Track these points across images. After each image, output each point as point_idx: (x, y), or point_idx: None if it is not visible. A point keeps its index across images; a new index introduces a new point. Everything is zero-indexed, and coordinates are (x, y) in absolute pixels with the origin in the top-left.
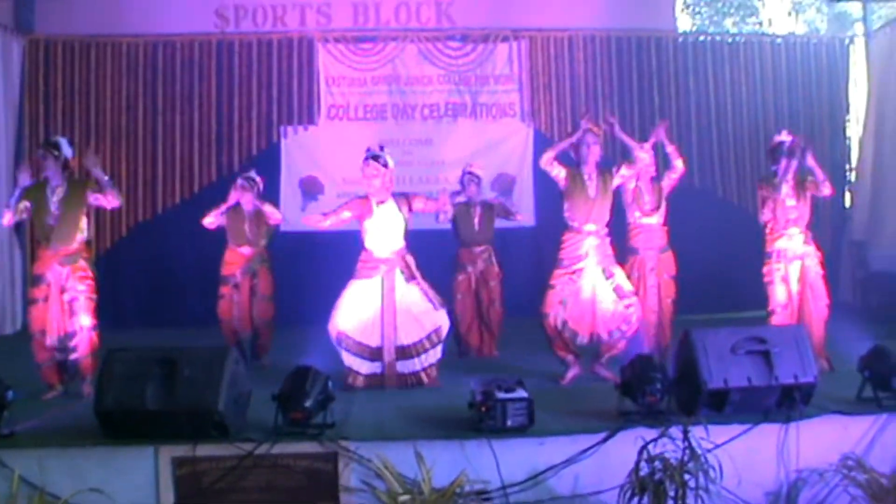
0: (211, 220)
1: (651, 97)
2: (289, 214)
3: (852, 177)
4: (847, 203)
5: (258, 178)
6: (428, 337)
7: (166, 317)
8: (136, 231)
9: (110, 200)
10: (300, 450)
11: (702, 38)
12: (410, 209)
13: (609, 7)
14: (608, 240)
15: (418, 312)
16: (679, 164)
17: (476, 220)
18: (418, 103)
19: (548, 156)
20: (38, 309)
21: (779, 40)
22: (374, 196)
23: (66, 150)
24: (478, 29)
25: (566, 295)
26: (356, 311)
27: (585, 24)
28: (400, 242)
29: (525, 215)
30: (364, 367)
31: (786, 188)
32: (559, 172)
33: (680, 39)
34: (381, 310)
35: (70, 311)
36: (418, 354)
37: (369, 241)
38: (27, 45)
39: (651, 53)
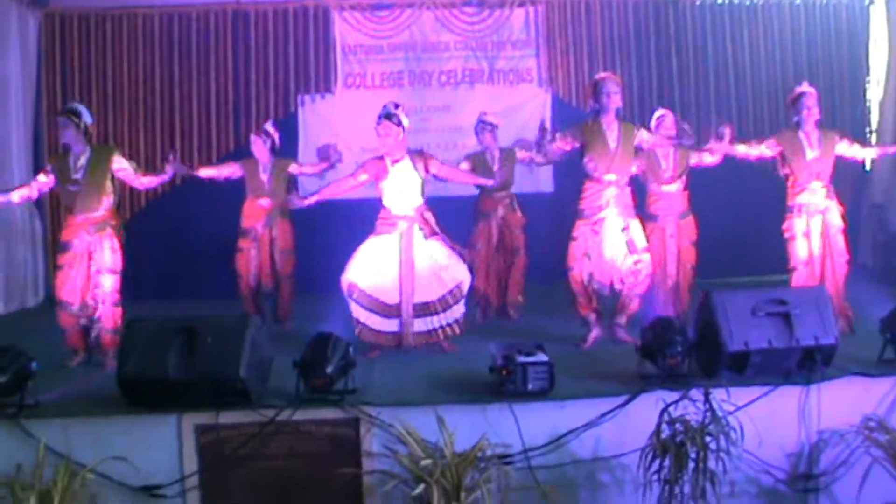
0: (207, 172)
1: (669, 61)
2: (307, 182)
3: (873, 139)
4: (868, 166)
5: (273, 130)
6: (451, 293)
7: (186, 288)
8: (155, 203)
9: (145, 183)
10: (322, 416)
11: (720, 1)
12: (427, 170)
13: None
14: (628, 190)
15: (439, 268)
16: (716, 158)
17: (495, 167)
18: (435, 70)
19: (554, 146)
20: (64, 275)
21: (798, 1)
22: (388, 155)
23: (87, 117)
24: None
25: (589, 247)
26: (372, 267)
27: None
28: (418, 199)
29: (543, 181)
30: (378, 323)
31: (810, 137)
32: (570, 144)
33: (698, 2)
34: (399, 266)
35: (95, 283)
36: (439, 312)
37: (387, 200)
38: (43, 18)
39: (669, 17)
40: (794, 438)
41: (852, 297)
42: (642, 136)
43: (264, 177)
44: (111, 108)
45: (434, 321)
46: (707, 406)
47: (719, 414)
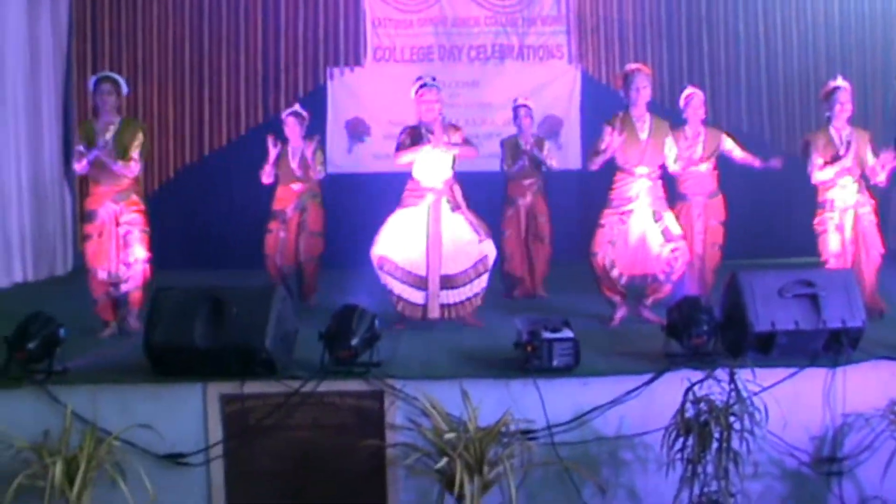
0: (267, 176)
1: (700, 42)
2: (335, 156)
3: None
4: None
5: (305, 113)
6: (474, 266)
7: (213, 258)
8: (183, 173)
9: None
10: (346, 388)
11: None
12: (460, 137)
13: None
14: (660, 182)
15: (464, 242)
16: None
17: (526, 152)
18: (465, 45)
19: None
20: (92, 244)
21: None
22: (424, 124)
23: (124, 88)
24: None
25: (615, 235)
26: (401, 239)
27: None
28: (448, 172)
29: (572, 158)
30: (412, 295)
31: (842, 135)
32: (612, 140)
33: None
34: (427, 239)
35: (125, 244)
36: (463, 284)
37: (417, 171)
38: None
39: None
40: (819, 421)
41: (883, 282)
42: (671, 143)
43: (294, 162)
44: (140, 77)
45: (457, 294)
46: (732, 386)
47: (744, 394)
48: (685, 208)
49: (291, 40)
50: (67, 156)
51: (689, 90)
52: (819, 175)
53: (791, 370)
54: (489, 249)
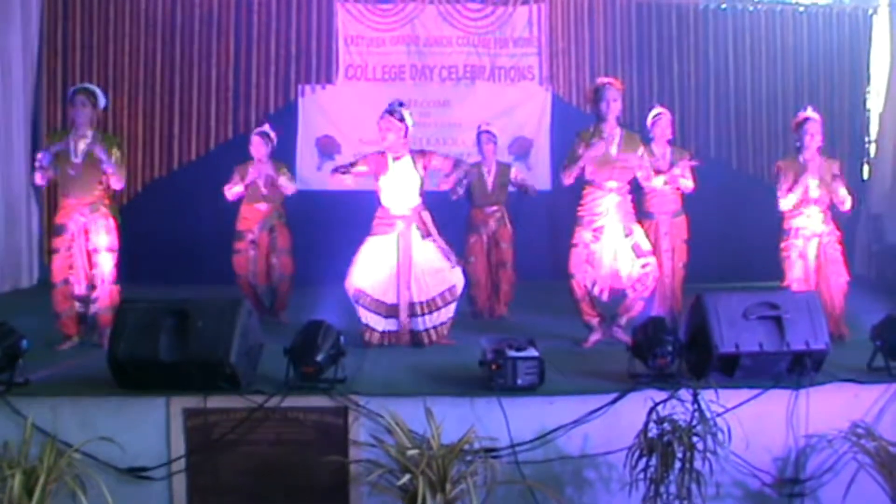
0: (234, 193)
1: (670, 65)
2: (305, 173)
3: (871, 150)
4: (865, 175)
5: (272, 134)
6: (441, 295)
7: (182, 273)
8: (152, 187)
9: (114, 182)
10: (311, 403)
11: (723, 6)
12: (426, 167)
13: None
14: (630, 198)
15: (433, 270)
16: (689, 185)
17: (490, 181)
18: (436, 65)
19: (566, 173)
20: (59, 258)
21: (801, 10)
22: (389, 151)
23: (102, 101)
24: None
25: (590, 254)
26: (373, 268)
27: None
28: (416, 199)
29: (541, 179)
30: (380, 323)
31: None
32: (581, 153)
33: (701, 7)
34: (397, 267)
35: (91, 264)
36: (430, 312)
37: (385, 198)
38: None
39: (672, 21)
40: (782, 442)
41: (848, 305)
42: (644, 154)
43: (261, 182)
44: (111, 89)
45: (425, 321)
46: (695, 406)
47: (707, 415)
48: (652, 226)
49: (263, 56)
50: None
51: (657, 109)
52: (784, 202)
53: (754, 391)
54: (458, 278)
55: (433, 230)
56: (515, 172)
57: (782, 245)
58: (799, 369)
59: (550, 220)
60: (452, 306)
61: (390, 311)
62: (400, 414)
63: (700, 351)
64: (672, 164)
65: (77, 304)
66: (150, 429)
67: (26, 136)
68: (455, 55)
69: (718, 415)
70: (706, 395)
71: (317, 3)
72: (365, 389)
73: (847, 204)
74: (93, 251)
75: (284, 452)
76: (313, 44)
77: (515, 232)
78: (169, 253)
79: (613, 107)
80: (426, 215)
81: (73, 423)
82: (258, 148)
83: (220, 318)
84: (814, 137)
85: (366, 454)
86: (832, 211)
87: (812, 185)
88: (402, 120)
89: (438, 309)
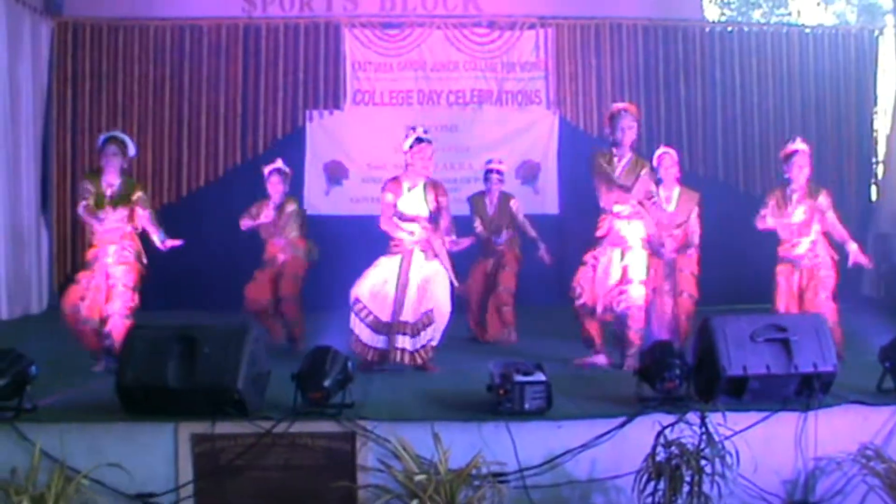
0: (245, 226)
1: (677, 88)
2: (313, 199)
3: (879, 170)
4: (873, 196)
5: (288, 170)
6: (426, 314)
7: (190, 300)
8: (161, 213)
9: (146, 226)
10: (318, 429)
11: (729, 28)
12: (436, 200)
13: None
14: (641, 222)
15: (426, 294)
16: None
17: (490, 210)
18: (444, 89)
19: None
20: (76, 289)
21: (807, 31)
22: (407, 178)
23: (131, 150)
24: (504, 16)
25: (595, 274)
26: (376, 284)
27: (612, 13)
28: (424, 224)
29: (549, 203)
30: (371, 338)
31: (795, 197)
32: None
33: (707, 29)
34: (396, 287)
35: (108, 296)
36: (414, 335)
37: (397, 221)
38: (56, 27)
39: (678, 43)
40: (791, 465)
41: (856, 326)
42: (646, 170)
43: (272, 215)
44: (120, 118)
45: (410, 342)
46: (703, 430)
47: (715, 438)
48: (654, 259)
49: (271, 82)
50: (45, 196)
51: (661, 150)
52: (760, 225)
53: (763, 414)
54: (445, 307)
55: (441, 254)
56: (515, 204)
57: (777, 270)
58: (807, 391)
59: (558, 245)
60: (431, 329)
61: (382, 329)
62: (408, 439)
63: (708, 374)
64: (679, 206)
65: (90, 324)
66: (158, 455)
67: (36, 164)
68: (462, 80)
69: (727, 438)
70: (714, 418)
71: (324, 29)
72: (373, 414)
73: (848, 242)
74: (112, 286)
75: (292, 478)
76: (321, 69)
77: (522, 259)
78: (178, 279)
79: (628, 133)
80: (436, 240)
81: (81, 449)
82: (276, 186)
83: (228, 344)
84: (802, 169)
85: (374, 479)
86: (829, 238)
87: (798, 214)
88: (430, 144)
89: (421, 331)
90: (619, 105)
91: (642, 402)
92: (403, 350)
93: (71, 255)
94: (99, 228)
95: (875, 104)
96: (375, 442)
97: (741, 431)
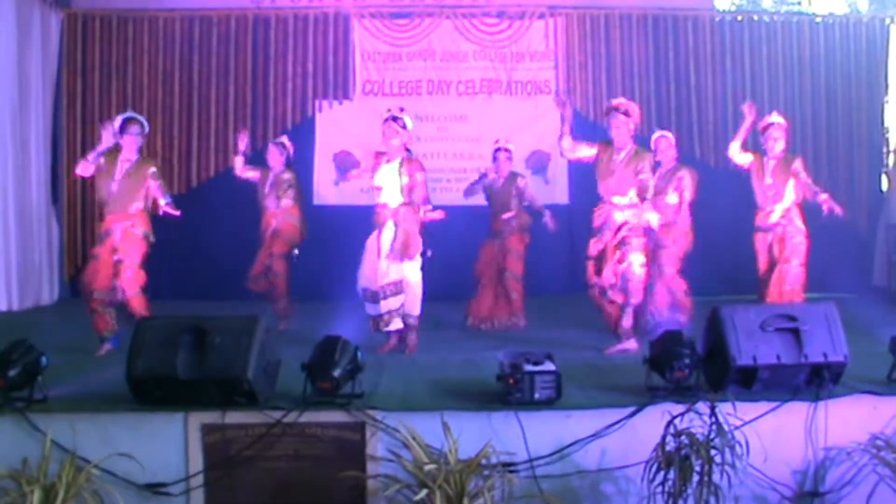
0: (239, 168)
1: (687, 77)
2: (322, 189)
3: (889, 160)
4: (884, 186)
5: (289, 144)
6: (393, 284)
7: (200, 290)
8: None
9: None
10: (328, 419)
11: (739, 17)
12: (410, 174)
13: None
14: (637, 211)
15: (391, 262)
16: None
17: (500, 187)
18: (453, 79)
19: (564, 144)
20: (93, 264)
21: (818, 20)
22: (386, 154)
23: (146, 128)
24: (514, 6)
25: (596, 263)
26: (367, 261)
27: (622, 3)
28: (399, 198)
29: (559, 193)
30: (372, 309)
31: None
32: (587, 153)
33: (717, 19)
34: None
35: (118, 272)
36: (384, 298)
37: (375, 194)
38: (65, 18)
39: (688, 32)
40: (801, 455)
41: (866, 316)
42: (645, 164)
43: (266, 188)
44: (130, 108)
45: (372, 308)
46: (713, 420)
47: (725, 428)
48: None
49: (280, 73)
50: (55, 186)
51: (656, 134)
52: (733, 152)
53: (773, 404)
54: (411, 276)
55: (411, 227)
56: (522, 182)
57: (755, 239)
58: (817, 381)
59: (568, 234)
60: (397, 299)
61: (370, 297)
62: (417, 429)
63: (718, 364)
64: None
65: (107, 302)
66: (168, 445)
67: (45, 155)
68: (472, 70)
69: (736, 428)
70: (724, 408)
71: (333, 20)
72: (382, 404)
73: (819, 194)
74: (118, 262)
75: (302, 468)
76: (330, 60)
77: (528, 244)
78: (188, 269)
79: (617, 132)
80: (406, 212)
81: (91, 440)
82: (274, 157)
83: (238, 334)
84: (777, 141)
85: (383, 469)
86: (803, 209)
87: (768, 178)
88: (404, 126)
89: (380, 300)
90: (612, 103)
91: (652, 392)
92: (375, 316)
93: (81, 245)
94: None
95: (886, 93)
96: (385, 432)
97: (751, 421)
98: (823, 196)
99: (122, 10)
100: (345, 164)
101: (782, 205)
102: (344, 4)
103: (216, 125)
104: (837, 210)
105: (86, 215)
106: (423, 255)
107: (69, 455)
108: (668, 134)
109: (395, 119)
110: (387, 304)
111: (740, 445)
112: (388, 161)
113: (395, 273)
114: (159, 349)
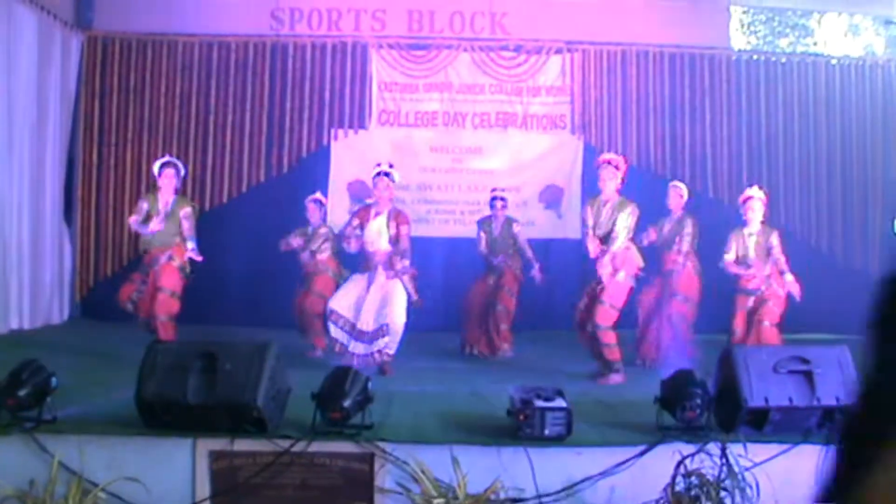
0: (285, 247)
1: (703, 115)
2: (336, 218)
3: None
4: None
5: (325, 200)
6: (382, 327)
7: (211, 315)
8: None
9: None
10: (337, 449)
11: (756, 56)
12: (397, 228)
13: (663, 23)
14: (616, 256)
15: (383, 306)
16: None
17: (496, 233)
18: (469, 112)
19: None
20: (129, 286)
21: (833, 61)
22: (375, 206)
23: (182, 172)
24: (531, 40)
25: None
26: (349, 295)
27: (639, 39)
28: (387, 247)
29: (572, 228)
30: (350, 343)
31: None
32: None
33: (734, 58)
34: (359, 299)
35: (153, 297)
36: (370, 341)
37: (365, 244)
38: (85, 41)
39: (704, 71)
40: (811, 499)
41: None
42: (624, 213)
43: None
44: (146, 132)
45: (363, 348)
46: (724, 461)
47: (736, 469)
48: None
49: (297, 100)
50: (69, 206)
51: (672, 184)
52: (725, 263)
53: (784, 446)
54: (398, 320)
55: (401, 273)
56: (517, 227)
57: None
58: (830, 424)
59: (581, 270)
60: (385, 340)
61: (356, 334)
62: (426, 462)
63: (729, 404)
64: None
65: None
66: (175, 470)
67: (60, 175)
68: (488, 103)
69: (747, 469)
70: (735, 449)
71: (351, 49)
72: (392, 436)
73: (786, 273)
74: (157, 289)
75: (310, 498)
76: (347, 89)
77: (522, 280)
78: (199, 294)
79: (607, 184)
80: (397, 260)
81: (99, 462)
82: (313, 215)
83: (249, 361)
84: (756, 213)
85: (391, 502)
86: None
87: (750, 250)
88: (393, 181)
89: (372, 341)
90: (602, 158)
91: (662, 431)
92: (355, 354)
93: (94, 266)
94: (146, 235)
95: None
96: (394, 464)
97: (762, 463)
98: (790, 277)
99: (142, 33)
100: (359, 194)
101: (763, 272)
102: (362, 35)
103: (231, 151)
104: (795, 291)
105: (99, 236)
106: (408, 302)
107: (76, 477)
108: (681, 185)
109: (387, 175)
110: (374, 346)
111: (751, 487)
112: (377, 214)
113: (382, 318)
114: (169, 373)
